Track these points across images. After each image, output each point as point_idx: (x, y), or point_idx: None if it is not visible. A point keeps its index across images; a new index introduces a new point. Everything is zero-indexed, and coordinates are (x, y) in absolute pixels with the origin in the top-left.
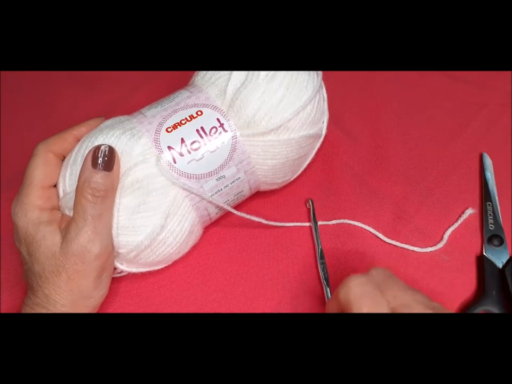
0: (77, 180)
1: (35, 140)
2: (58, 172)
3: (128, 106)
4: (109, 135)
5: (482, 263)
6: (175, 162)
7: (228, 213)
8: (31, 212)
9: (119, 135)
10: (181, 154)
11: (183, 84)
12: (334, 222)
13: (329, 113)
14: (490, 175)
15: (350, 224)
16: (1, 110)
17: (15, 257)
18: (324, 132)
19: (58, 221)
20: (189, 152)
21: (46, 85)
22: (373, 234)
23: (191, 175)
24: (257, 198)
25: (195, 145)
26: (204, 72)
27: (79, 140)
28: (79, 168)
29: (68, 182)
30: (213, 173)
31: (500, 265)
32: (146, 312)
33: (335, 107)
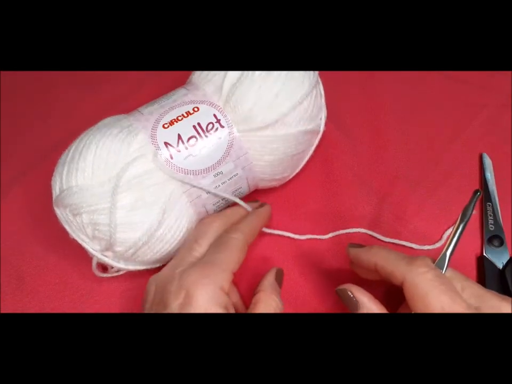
0: (74, 177)
1: (35, 140)
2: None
3: (127, 106)
4: (107, 133)
5: (482, 263)
6: (172, 158)
7: None
8: (223, 296)
9: (117, 133)
10: (178, 150)
11: (183, 84)
12: (330, 235)
13: (329, 113)
14: (490, 175)
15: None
16: (1, 110)
17: (15, 257)
18: (322, 128)
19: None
20: (186, 148)
21: (46, 85)
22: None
23: (188, 170)
24: (257, 198)
25: (192, 141)
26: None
27: None
28: (76, 165)
29: (64, 179)
30: (210, 169)
31: (500, 266)
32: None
33: (335, 107)
